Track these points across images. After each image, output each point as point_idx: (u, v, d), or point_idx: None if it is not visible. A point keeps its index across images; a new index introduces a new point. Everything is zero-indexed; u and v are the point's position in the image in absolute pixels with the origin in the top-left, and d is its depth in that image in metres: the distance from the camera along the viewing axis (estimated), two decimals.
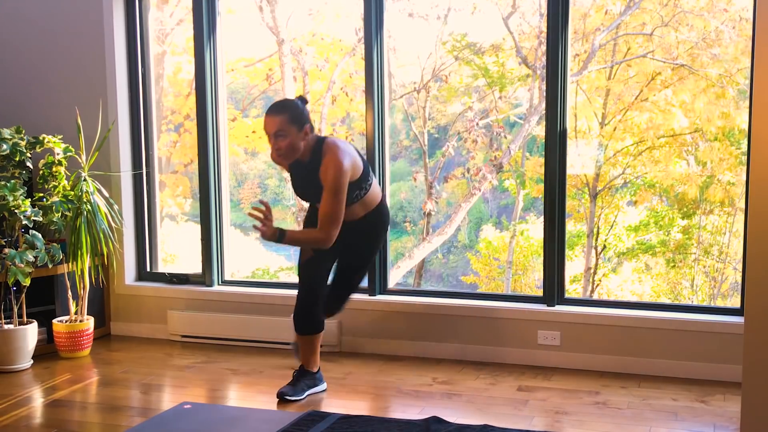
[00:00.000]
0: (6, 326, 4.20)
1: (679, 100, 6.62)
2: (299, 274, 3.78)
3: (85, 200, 4.35)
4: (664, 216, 7.11)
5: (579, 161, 6.96)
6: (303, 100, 3.63)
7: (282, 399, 3.68)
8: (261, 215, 3.44)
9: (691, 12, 6.50)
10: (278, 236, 3.46)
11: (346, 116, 7.35)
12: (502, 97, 6.98)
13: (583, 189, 7.03)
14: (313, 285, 3.74)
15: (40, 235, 4.20)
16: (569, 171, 6.75)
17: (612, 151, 6.95)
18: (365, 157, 3.73)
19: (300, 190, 3.77)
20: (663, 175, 6.83)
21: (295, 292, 3.87)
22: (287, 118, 3.50)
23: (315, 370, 3.83)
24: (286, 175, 4.35)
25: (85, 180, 4.39)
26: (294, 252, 5.91)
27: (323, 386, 3.85)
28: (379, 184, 4.42)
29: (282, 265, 7.86)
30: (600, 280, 7.24)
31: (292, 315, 3.80)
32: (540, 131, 6.60)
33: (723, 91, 6.40)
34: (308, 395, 3.75)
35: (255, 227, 3.47)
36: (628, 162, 6.98)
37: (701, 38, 6.40)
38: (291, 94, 7.01)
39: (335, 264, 3.83)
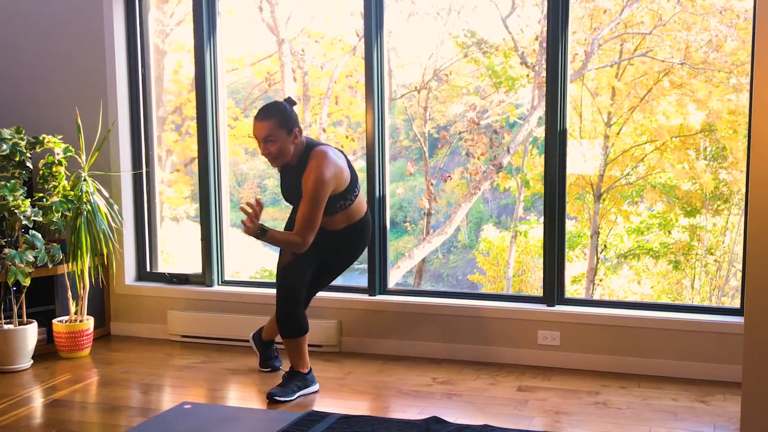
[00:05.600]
0: (6, 326, 4.20)
1: (686, 100, 6.62)
2: (277, 279, 3.78)
3: (85, 200, 4.35)
4: (668, 215, 7.10)
5: (584, 161, 6.95)
6: (291, 102, 3.67)
7: (271, 400, 3.66)
8: (251, 211, 3.50)
9: (697, 13, 6.50)
10: (260, 232, 3.51)
11: (346, 117, 7.35)
12: (498, 97, 6.97)
13: (587, 189, 7.02)
14: (290, 289, 3.72)
15: (40, 235, 4.19)
16: (576, 171, 6.68)
17: (622, 148, 6.95)
18: (354, 169, 3.75)
19: (286, 192, 3.83)
20: (670, 174, 6.83)
21: None
22: (276, 122, 3.54)
23: (306, 371, 3.80)
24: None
25: (85, 180, 4.39)
26: None
27: (315, 387, 3.82)
28: (379, 184, 4.42)
29: None
30: (601, 280, 7.24)
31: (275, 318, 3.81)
32: (540, 132, 6.60)
33: (732, 89, 6.40)
34: (299, 396, 3.73)
35: (242, 221, 3.53)
36: (631, 162, 6.97)
37: (709, 39, 6.39)
38: (291, 94, 7.00)
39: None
